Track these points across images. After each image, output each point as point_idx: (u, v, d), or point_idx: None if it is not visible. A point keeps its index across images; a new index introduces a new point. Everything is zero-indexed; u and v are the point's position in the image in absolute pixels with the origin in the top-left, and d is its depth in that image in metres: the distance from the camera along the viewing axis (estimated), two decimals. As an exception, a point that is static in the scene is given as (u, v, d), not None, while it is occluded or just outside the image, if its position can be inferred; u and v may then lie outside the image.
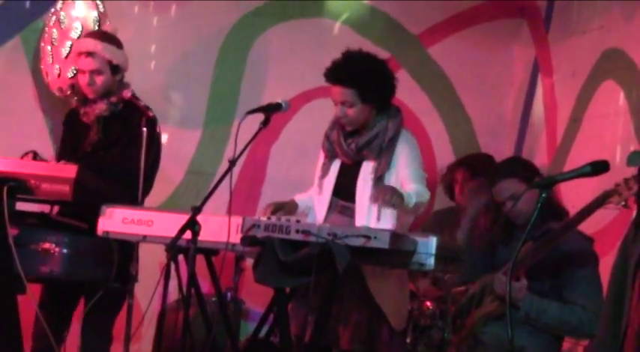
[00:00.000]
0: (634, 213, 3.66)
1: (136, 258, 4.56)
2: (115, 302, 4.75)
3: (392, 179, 4.53)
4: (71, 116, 5.07)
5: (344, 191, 4.60)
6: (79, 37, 5.53)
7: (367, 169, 4.56)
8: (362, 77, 4.48)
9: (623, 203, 3.97)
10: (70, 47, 5.55)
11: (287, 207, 4.64)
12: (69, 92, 5.55)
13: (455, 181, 5.85)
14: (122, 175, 4.68)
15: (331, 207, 4.61)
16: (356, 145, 4.56)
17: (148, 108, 4.74)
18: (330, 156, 4.67)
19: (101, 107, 4.85)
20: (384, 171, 4.52)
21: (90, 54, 4.85)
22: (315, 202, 4.67)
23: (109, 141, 4.85)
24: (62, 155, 5.00)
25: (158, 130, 4.86)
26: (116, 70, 4.89)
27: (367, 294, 4.44)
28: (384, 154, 4.54)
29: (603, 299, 4.37)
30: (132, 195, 4.59)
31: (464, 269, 4.61)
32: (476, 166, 5.78)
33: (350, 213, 4.53)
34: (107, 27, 5.72)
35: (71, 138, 5.00)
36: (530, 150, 6.29)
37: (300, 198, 4.76)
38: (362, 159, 4.58)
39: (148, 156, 4.62)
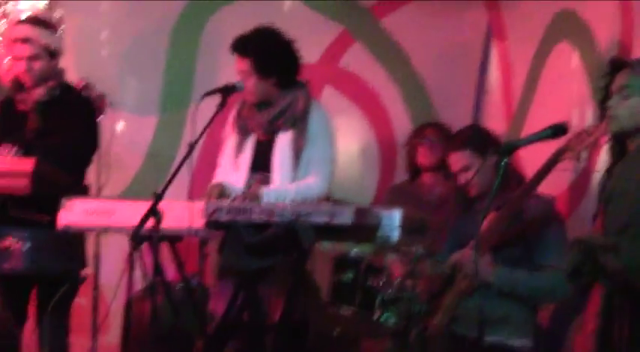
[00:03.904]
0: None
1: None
2: (70, 293, 4.70)
3: (313, 156, 4.62)
4: (5, 105, 4.89)
5: (261, 165, 4.68)
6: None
7: (284, 140, 4.63)
8: (257, 48, 4.59)
9: (577, 157, 3.99)
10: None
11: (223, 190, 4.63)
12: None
13: (423, 137, 5.63)
14: (70, 159, 4.63)
15: (249, 182, 4.66)
16: (269, 115, 4.63)
17: (86, 87, 4.71)
18: (243, 133, 4.72)
19: (39, 93, 4.73)
20: (304, 145, 4.61)
21: (26, 40, 4.72)
22: (231, 180, 4.69)
23: (50, 126, 4.71)
24: None
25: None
26: (53, 54, 4.79)
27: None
28: (298, 124, 4.63)
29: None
30: (79, 180, 4.62)
31: (429, 241, 4.61)
32: (445, 130, 5.66)
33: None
34: (56, 14, 5.63)
35: (7, 127, 4.78)
36: (488, 117, 6.29)
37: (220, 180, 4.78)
38: (277, 131, 4.65)
39: (95, 137, 4.64)
